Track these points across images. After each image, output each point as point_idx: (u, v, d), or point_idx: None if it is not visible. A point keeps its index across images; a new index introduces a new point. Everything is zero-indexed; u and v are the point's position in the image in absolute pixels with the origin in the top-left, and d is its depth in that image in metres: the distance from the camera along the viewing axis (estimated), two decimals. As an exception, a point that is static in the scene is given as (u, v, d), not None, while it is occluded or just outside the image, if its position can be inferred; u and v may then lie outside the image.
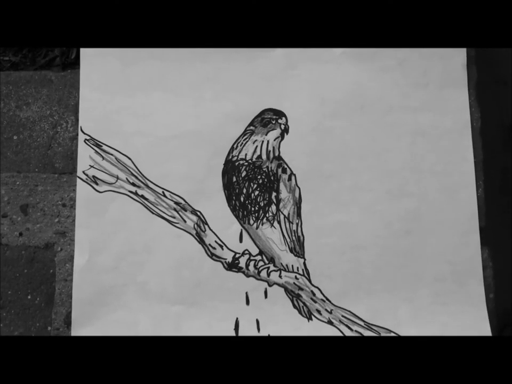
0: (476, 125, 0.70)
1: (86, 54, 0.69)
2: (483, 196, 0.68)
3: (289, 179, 0.68)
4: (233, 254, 0.67)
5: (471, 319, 0.66)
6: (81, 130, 0.68)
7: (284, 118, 0.69)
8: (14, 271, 0.67)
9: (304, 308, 0.66)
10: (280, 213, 0.67)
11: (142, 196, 0.67)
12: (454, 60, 0.70)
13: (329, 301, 0.66)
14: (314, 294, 0.66)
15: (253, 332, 0.65)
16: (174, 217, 0.67)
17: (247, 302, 0.66)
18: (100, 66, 0.69)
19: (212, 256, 0.67)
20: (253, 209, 0.67)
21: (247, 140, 0.68)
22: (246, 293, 0.66)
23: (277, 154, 0.68)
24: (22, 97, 0.71)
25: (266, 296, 0.66)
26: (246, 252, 0.67)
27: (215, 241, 0.67)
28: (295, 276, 0.67)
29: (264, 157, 0.68)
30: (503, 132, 0.70)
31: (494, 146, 0.70)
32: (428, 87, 0.69)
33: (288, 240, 0.67)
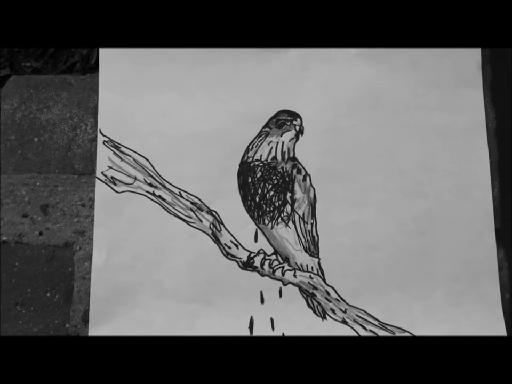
0: (491, 125, 0.70)
1: (105, 57, 0.71)
2: (498, 196, 0.68)
3: (304, 179, 0.68)
4: (248, 253, 0.68)
5: (486, 319, 0.65)
6: (100, 132, 0.70)
7: (298, 120, 0.69)
8: (34, 269, 0.69)
9: (319, 307, 0.66)
10: (295, 213, 0.68)
11: (159, 197, 0.69)
12: (468, 59, 0.70)
13: (344, 300, 0.66)
14: (328, 294, 0.66)
15: (268, 331, 0.65)
16: (190, 217, 0.68)
17: (262, 301, 0.66)
18: (117, 69, 0.71)
19: (227, 255, 0.67)
20: (268, 209, 0.68)
21: (262, 141, 0.69)
22: (261, 292, 0.67)
23: (291, 155, 0.69)
24: (43, 100, 0.73)
25: (280, 295, 0.67)
26: (261, 251, 0.68)
27: (231, 241, 0.68)
28: (310, 275, 0.67)
29: (279, 158, 0.69)
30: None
31: (510, 147, 0.69)
32: (441, 87, 0.70)
33: (303, 240, 0.67)
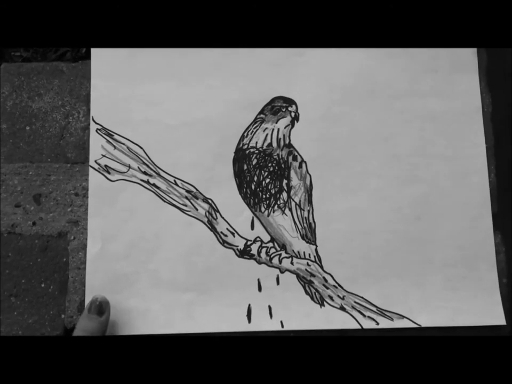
0: (487, 110, 0.70)
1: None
2: (495, 181, 0.68)
3: (300, 166, 0.68)
4: (244, 241, 0.67)
5: (484, 304, 0.65)
6: (93, 120, 0.69)
7: (294, 106, 0.69)
8: (28, 260, 0.68)
9: (316, 294, 0.66)
10: (291, 200, 0.67)
11: (154, 185, 0.68)
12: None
13: (341, 287, 0.66)
14: (326, 280, 0.66)
15: (265, 319, 0.65)
16: (185, 205, 0.68)
17: (259, 289, 0.66)
18: (110, 56, 0.70)
19: (224, 243, 0.67)
20: (264, 196, 0.67)
21: (258, 128, 0.69)
22: (258, 279, 0.66)
23: (287, 142, 0.68)
24: (34, 88, 0.71)
25: (278, 283, 0.66)
26: (258, 239, 0.67)
27: (227, 229, 0.67)
28: (307, 263, 0.67)
29: (274, 144, 0.68)
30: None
31: (506, 131, 0.69)
32: (437, 72, 0.70)
33: (300, 227, 0.67)
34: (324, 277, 0.66)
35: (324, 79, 0.70)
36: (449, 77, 0.69)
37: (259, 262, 0.67)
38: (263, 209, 0.67)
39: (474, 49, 0.70)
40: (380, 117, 0.69)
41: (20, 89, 0.71)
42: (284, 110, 0.69)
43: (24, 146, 0.70)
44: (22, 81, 0.71)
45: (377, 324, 0.65)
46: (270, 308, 0.65)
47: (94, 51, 0.70)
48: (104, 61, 0.70)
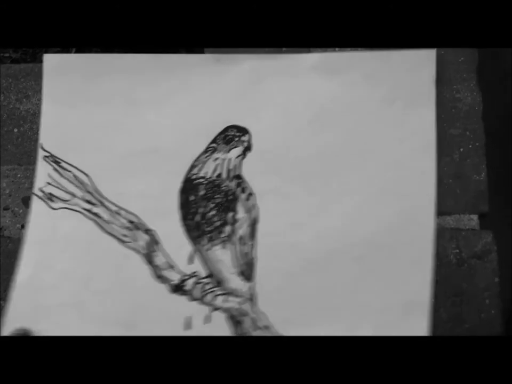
0: (478, 108, 0.66)
1: (49, 66, 0.70)
2: (486, 180, 0.64)
3: (248, 199, 0.63)
4: (181, 275, 0.62)
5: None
6: (42, 148, 0.68)
7: (247, 135, 0.65)
8: (17, 263, 0.66)
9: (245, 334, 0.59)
10: (234, 234, 0.62)
11: (96, 214, 0.65)
12: (423, 74, 0.64)
13: (274, 328, 0.59)
14: (257, 321, 0.59)
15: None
16: (125, 236, 0.64)
17: (187, 327, 0.60)
18: (62, 80, 0.70)
19: (159, 277, 0.62)
20: (207, 229, 0.63)
21: (208, 157, 0.65)
22: (187, 317, 0.60)
23: (237, 172, 0.64)
24: (22, 90, 0.72)
25: (207, 322, 0.60)
26: (195, 273, 0.62)
27: (165, 262, 0.63)
28: (241, 301, 0.60)
29: (224, 175, 0.64)
30: (506, 116, 0.68)
31: (497, 130, 0.66)
32: (394, 103, 0.64)
33: (239, 262, 0.61)
34: (255, 317, 0.59)
35: (282, 108, 0.66)
36: (405, 109, 0.63)
37: (191, 299, 0.61)
38: (204, 242, 0.63)
39: (433, 79, 0.64)
40: (335, 149, 0.64)
41: (8, 91, 0.72)
42: (236, 139, 0.65)
43: (12, 149, 0.70)
44: (9, 83, 0.73)
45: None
46: (194, 348, 0.59)
47: (46, 75, 0.70)
48: (57, 82, 0.70)
